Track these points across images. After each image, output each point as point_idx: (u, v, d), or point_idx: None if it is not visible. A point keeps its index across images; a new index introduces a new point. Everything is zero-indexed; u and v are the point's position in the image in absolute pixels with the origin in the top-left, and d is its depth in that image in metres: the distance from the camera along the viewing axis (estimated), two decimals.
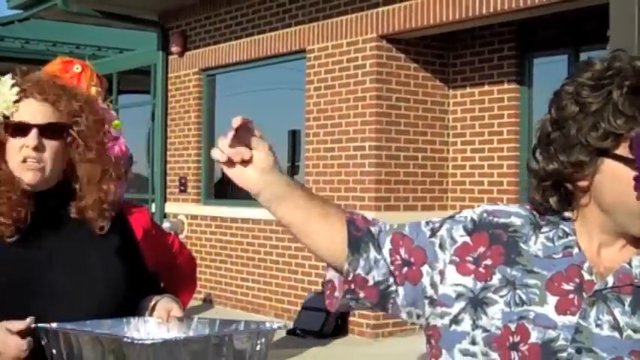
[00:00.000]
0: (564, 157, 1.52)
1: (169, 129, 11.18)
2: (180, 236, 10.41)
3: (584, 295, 1.53)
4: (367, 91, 8.19)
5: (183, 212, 10.85)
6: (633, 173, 1.46)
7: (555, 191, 1.57)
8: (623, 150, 1.47)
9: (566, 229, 1.58)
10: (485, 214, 1.61)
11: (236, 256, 9.91)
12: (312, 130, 8.85)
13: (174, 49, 10.97)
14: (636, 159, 1.45)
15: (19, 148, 2.15)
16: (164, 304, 2.23)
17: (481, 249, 1.58)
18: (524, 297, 1.53)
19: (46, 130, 2.16)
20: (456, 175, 8.46)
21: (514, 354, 1.51)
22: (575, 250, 1.56)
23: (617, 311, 1.53)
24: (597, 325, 1.52)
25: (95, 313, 2.14)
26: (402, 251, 1.60)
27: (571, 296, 1.53)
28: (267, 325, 2.16)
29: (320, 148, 8.73)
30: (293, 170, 9.59)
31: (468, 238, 1.59)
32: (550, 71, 7.87)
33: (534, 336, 1.50)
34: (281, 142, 9.68)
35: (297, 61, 9.23)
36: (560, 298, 1.53)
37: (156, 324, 2.19)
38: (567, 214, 1.60)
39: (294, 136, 9.50)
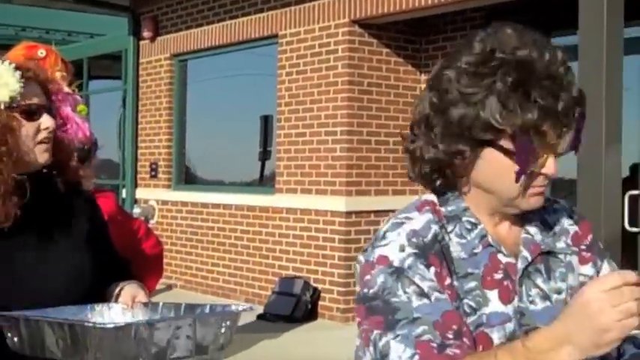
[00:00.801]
0: (445, 145, 1.52)
1: (140, 115, 11.11)
2: (151, 222, 10.37)
3: (513, 277, 1.56)
4: (339, 76, 8.17)
5: (154, 198, 10.79)
6: (514, 166, 1.48)
7: (437, 175, 1.57)
8: (504, 142, 1.48)
9: (471, 219, 1.58)
10: (413, 238, 1.51)
11: (207, 242, 9.88)
12: (284, 116, 8.82)
13: (146, 34, 10.89)
14: (517, 156, 1.47)
15: (34, 131, 2.18)
16: (129, 290, 2.22)
17: (438, 270, 1.51)
18: (472, 304, 1.52)
19: (48, 111, 2.22)
20: None
21: None
22: (489, 238, 1.57)
23: (539, 282, 1.59)
24: (531, 302, 1.57)
25: (60, 299, 2.12)
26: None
27: (505, 283, 1.55)
28: (233, 307, 2.15)
29: (291, 133, 8.71)
30: (265, 155, 9.57)
31: (432, 269, 1.50)
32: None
33: (496, 337, 1.51)
34: (253, 128, 9.65)
35: (269, 46, 9.19)
36: (499, 290, 1.54)
37: (121, 310, 2.18)
38: (462, 203, 1.58)
39: (266, 122, 9.47)
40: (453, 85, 1.49)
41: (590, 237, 1.72)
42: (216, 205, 9.72)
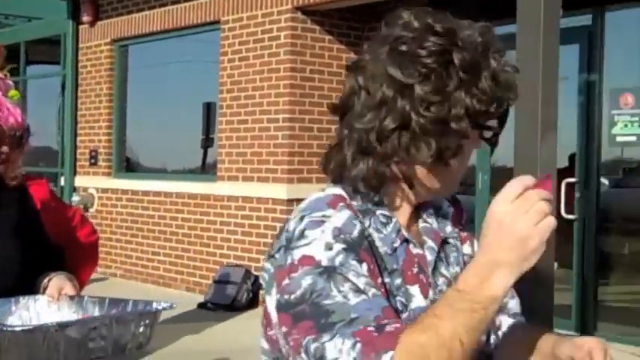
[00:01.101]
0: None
1: (80, 101, 10.91)
2: (91, 210, 10.22)
3: (425, 270, 1.53)
4: (281, 63, 8.13)
5: (94, 186, 10.63)
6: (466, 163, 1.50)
7: (373, 175, 1.48)
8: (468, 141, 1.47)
9: (385, 212, 1.50)
10: (340, 235, 1.40)
11: (147, 230, 9.77)
12: (226, 103, 8.75)
13: (85, 18, 10.69)
14: (470, 137, 1.46)
15: None
16: (57, 282, 2.17)
17: (371, 267, 1.42)
18: (403, 300, 1.47)
19: None
20: None
21: None
22: (403, 231, 1.51)
23: (443, 270, 1.57)
24: (440, 291, 1.53)
25: None
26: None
27: (421, 277, 1.51)
28: (154, 305, 2.10)
29: (233, 121, 8.64)
30: (207, 143, 9.49)
31: (364, 265, 1.40)
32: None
33: None
34: (195, 115, 9.56)
35: (212, 32, 9.10)
36: (419, 284, 1.50)
37: (46, 303, 2.12)
38: (375, 197, 1.50)
39: (209, 109, 9.38)
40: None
41: (464, 216, 1.71)
42: (157, 193, 9.62)
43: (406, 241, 1.51)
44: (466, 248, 1.67)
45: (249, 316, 7.96)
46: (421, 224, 1.58)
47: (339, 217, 1.42)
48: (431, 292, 1.52)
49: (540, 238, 1.25)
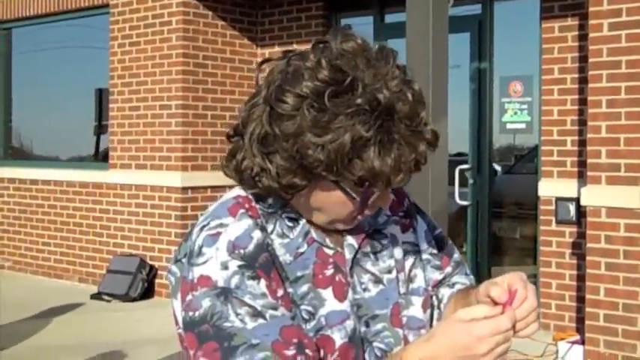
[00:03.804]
0: (279, 177, 1.34)
1: None
2: None
3: (343, 269, 1.47)
4: (173, 48, 7.98)
5: None
6: (351, 205, 1.38)
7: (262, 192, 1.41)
8: (347, 184, 1.34)
9: (291, 215, 1.44)
10: (235, 250, 1.36)
11: (36, 220, 9.47)
12: (117, 89, 8.53)
13: None
14: (360, 201, 1.37)
15: None
16: None
17: (267, 283, 1.37)
18: (309, 308, 1.41)
19: None
20: None
21: None
22: (312, 233, 1.45)
23: (369, 266, 1.51)
24: (365, 290, 1.49)
25: None
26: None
27: (337, 278, 1.45)
28: None
29: (125, 107, 8.44)
30: (100, 130, 9.25)
31: (262, 282, 1.36)
32: (356, 31, 7.95)
33: (338, 337, 1.42)
34: (87, 102, 9.30)
35: (101, 16, 8.85)
36: (333, 286, 1.45)
37: None
38: (281, 200, 1.44)
39: (101, 95, 9.13)
40: (298, 115, 1.30)
41: (405, 201, 1.64)
42: (46, 182, 9.33)
43: (316, 242, 1.45)
44: (408, 236, 1.60)
45: (145, 306, 7.82)
46: None
47: (236, 227, 1.38)
48: (350, 293, 1.46)
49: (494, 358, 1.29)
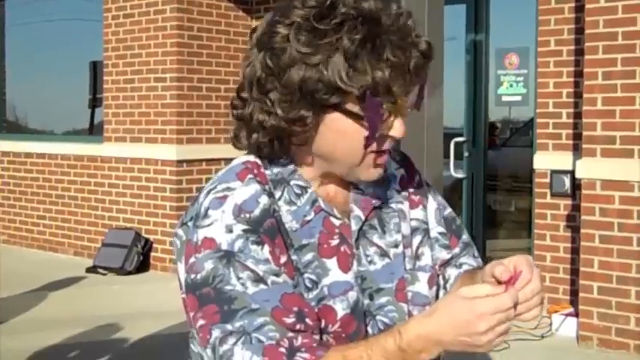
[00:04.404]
0: (283, 112, 1.36)
1: None
2: None
3: (349, 241, 1.47)
4: (168, 20, 7.92)
5: None
6: (363, 130, 1.37)
7: (270, 143, 1.42)
8: (351, 105, 1.35)
9: (299, 183, 1.45)
10: (241, 214, 1.37)
11: (31, 193, 9.45)
12: (111, 61, 8.49)
13: None
14: (367, 119, 1.35)
15: None
16: None
17: (271, 249, 1.37)
18: (313, 277, 1.41)
19: None
20: None
21: (326, 337, 1.40)
22: (320, 202, 1.46)
23: (375, 238, 1.50)
24: (370, 262, 1.48)
25: None
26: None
27: (342, 249, 1.45)
28: None
29: (119, 80, 8.40)
30: (94, 103, 9.21)
31: (266, 248, 1.36)
32: None
33: (340, 308, 1.41)
34: (82, 74, 9.25)
35: None
36: (338, 256, 1.44)
37: None
38: (290, 165, 1.45)
39: (95, 68, 9.08)
40: (289, 43, 1.33)
41: (416, 178, 1.64)
42: (41, 155, 9.30)
43: (323, 211, 1.45)
44: (417, 212, 1.59)
45: (140, 280, 7.83)
46: (352, 191, 1.51)
47: (243, 192, 1.39)
48: (355, 264, 1.46)
49: (490, 339, 1.26)
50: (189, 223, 1.41)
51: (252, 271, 1.33)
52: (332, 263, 1.43)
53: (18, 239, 9.61)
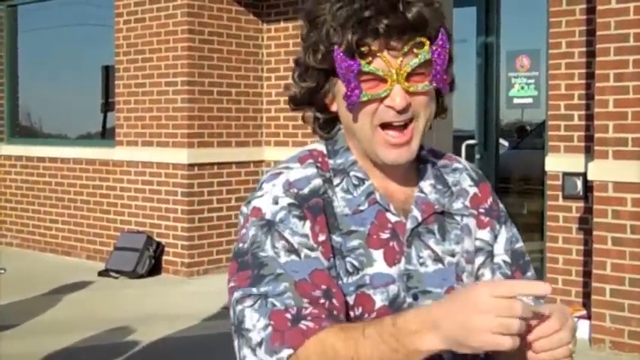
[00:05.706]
0: (301, 82, 1.48)
1: None
2: None
3: (401, 238, 1.48)
4: (179, 24, 7.94)
5: None
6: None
7: (317, 122, 1.53)
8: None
9: (359, 175, 1.50)
10: (290, 189, 1.43)
11: (44, 197, 9.49)
12: (123, 66, 8.52)
13: None
14: (341, 76, 1.41)
15: None
16: None
17: (311, 226, 1.41)
18: (355, 263, 1.43)
19: None
20: (270, 110, 8.41)
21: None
22: (377, 195, 1.49)
23: (431, 243, 1.52)
24: (421, 264, 1.49)
25: None
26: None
27: (391, 244, 1.47)
28: None
29: (131, 84, 8.43)
30: (107, 107, 9.24)
31: (307, 223, 1.41)
32: None
33: (379, 299, 1.43)
34: (94, 79, 9.29)
35: None
36: (385, 249, 1.46)
37: None
38: (351, 157, 1.51)
39: (107, 72, 9.12)
40: (305, 19, 1.47)
41: (490, 200, 1.63)
42: (54, 159, 9.34)
43: (377, 203, 1.48)
44: (485, 234, 1.59)
45: (152, 283, 7.85)
46: (416, 193, 1.53)
47: (298, 172, 1.47)
48: (403, 262, 1.47)
49: (486, 344, 1.19)
50: (249, 200, 1.49)
51: (288, 241, 1.38)
52: (378, 255, 1.45)
53: (31, 243, 9.65)
